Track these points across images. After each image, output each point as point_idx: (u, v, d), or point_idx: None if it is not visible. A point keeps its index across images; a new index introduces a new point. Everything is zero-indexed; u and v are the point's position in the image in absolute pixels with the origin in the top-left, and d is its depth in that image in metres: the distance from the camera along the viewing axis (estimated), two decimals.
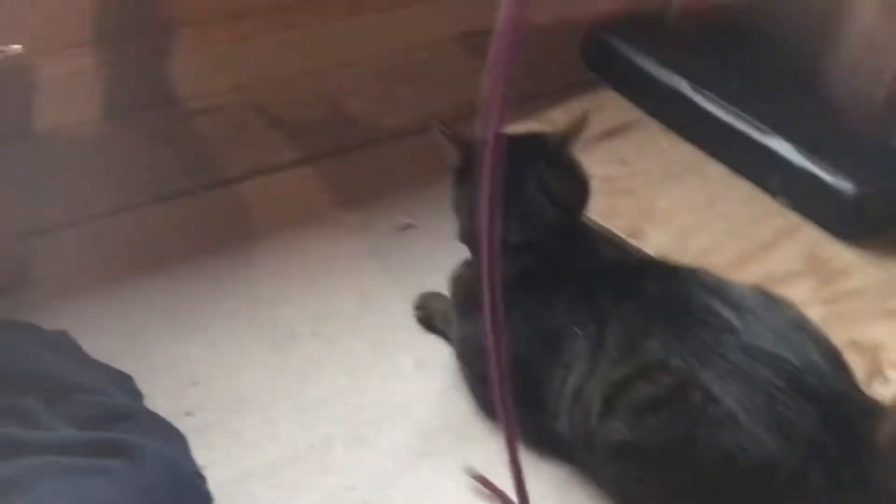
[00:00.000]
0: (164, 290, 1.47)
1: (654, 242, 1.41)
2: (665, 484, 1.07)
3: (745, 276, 1.34)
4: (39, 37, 1.57)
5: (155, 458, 1.09)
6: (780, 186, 1.49)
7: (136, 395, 1.27)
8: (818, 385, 1.03)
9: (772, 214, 1.48)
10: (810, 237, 1.44)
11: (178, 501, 1.09)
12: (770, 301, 1.14)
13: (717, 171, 1.57)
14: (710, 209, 1.49)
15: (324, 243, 1.60)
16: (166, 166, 1.71)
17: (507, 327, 1.23)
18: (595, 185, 1.51)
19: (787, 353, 1.04)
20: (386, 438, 1.27)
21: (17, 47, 1.22)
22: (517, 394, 1.24)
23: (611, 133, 1.66)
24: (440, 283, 1.39)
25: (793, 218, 1.47)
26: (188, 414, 1.28)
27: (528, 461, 1.24)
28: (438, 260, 1.52)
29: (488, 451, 1.26)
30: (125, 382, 1.27)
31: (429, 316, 1.45)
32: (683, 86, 1.61)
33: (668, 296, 1.11)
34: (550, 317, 1.18)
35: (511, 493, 1.08)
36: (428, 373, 1.37)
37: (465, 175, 1.28)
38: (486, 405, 1.31)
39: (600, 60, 1.79)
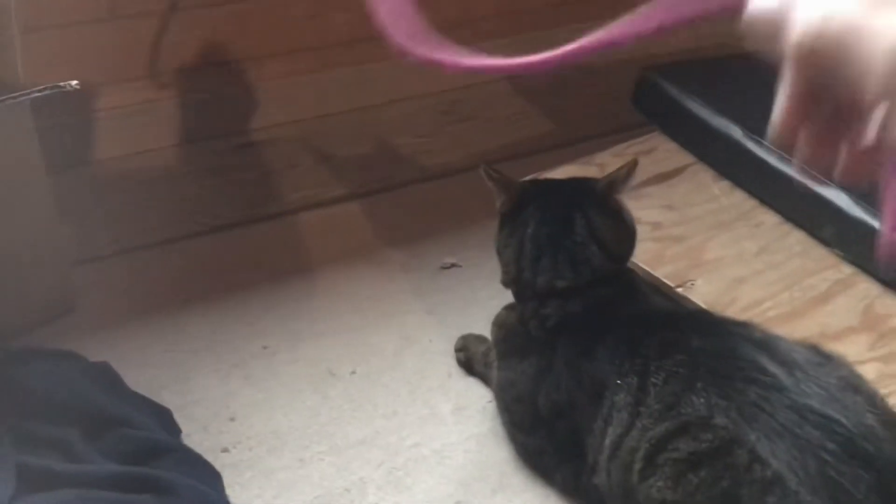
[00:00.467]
0: (208, 323, 1.48)
1: (703, 292, 1.37)
2: None
3: (797, 330, 1.30)
4: (99, 69, 1.61)
5: (188, 496, 1.09)
6: (835, 237, 1.45)
7: (174, 429, 1.27)
8: (874, 451, 0.99)
9: (826, 266, 1.43)
10: (866, 291, 1.39)
11: None
12: (821, 358, 1.10)
13: (769, 220, 1.53)
14: (762, 259, 1.45)
15: (368, 281, 1.60)
16: (215, 199, 1.72)
17: (549, 374, 1.22)
18: (642, 232, 1.49)
19: (839, 415, 1.00)
20: (421, 484, 1.25)
21: (74, 83, 1.24)
22: (557, 443, 1.23)
23: (660, 178, 1.63)
24: (483, 326, 1.38)
25: (847, 270, 1.42)
26: (224, 450, 1.27)
27: None
28: (482, 302, 1.51)
29: (524, 501, 1.23)
30: (164, 416, 1.27)
31: (469, 359, 1.43)
32: (736, 131, 1.58)
33: (714, 350, 1.08)
34: (593, 366, 1.16)
35: None
36: (466, 418, 1.35)
37: (510, 218, 1.27)
38: (525, 453, 1.28)
39: (651, 104, 1.77)
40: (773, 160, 1.53)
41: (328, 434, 1.31)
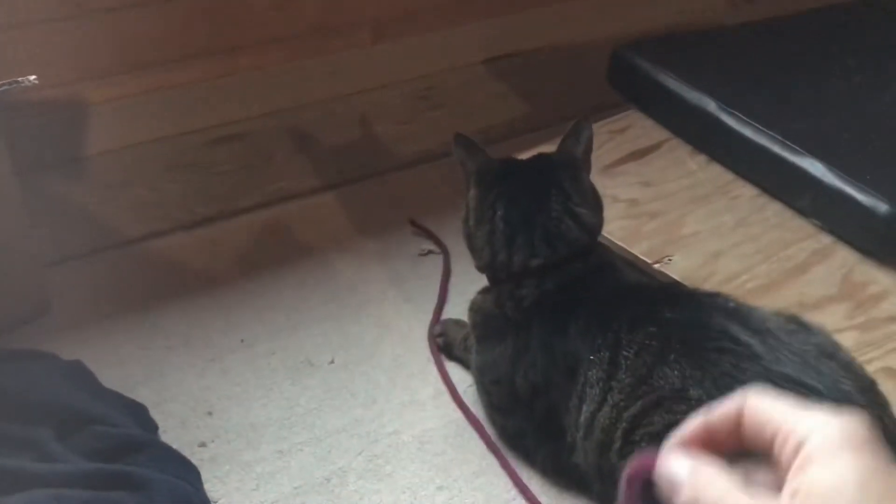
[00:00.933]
0: (184, 319, 1.47)
1: (681, 267, 1.36)
2: None
3: (776, 301, 1.29)
4: (69, 66, 1.59)
5: (164, 491, 1.07)
6: (812, 207, 1.44)
7: (151, 425, 1.26)
8: None
9: (804, 237, 1.42)
10: (844, 260, 1.38)
11: None
12: (797, 326, 1.09)
13: (747, 193, 1.52)
14: (740, 232, 1.44)
15: (345, 271, 1.58)
16: (190, 194, 1.71)
17: (525, 354, 1.20)
18: (619, 209, 1.49)
19: (815, 382, 0.99)
20: (402, 471, 1.24)
21: (32, 78, 1.22)
22: (536, 424, 1.22)
23: (636, 155, 1.62)
24: (462, 311, 1.36)
25: (826, 239, 1.41)
26: (202, 445, 1.26)
27: (550, 492, 1.21)
28: (460, 287, 1.50)
29: (507, 483, 1.22)
30: (140, 413, 1.26)
31: (449, 344, 1.42)
32: (710, 104, 1.57)
33: (686, 321, 1.07)
34: (566, 343, 1.14)
35: None
36: (446, 403, 1.34)
37: (479, 201, 1.26)
38: (505, 435, 1.27)
39: (626, 81, 1.76)
40: (748, 132, 1.52)
41: (307, 424, 1.30)
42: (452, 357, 1.41)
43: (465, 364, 1.38)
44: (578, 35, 2.02)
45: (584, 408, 1.11)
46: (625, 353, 1.07)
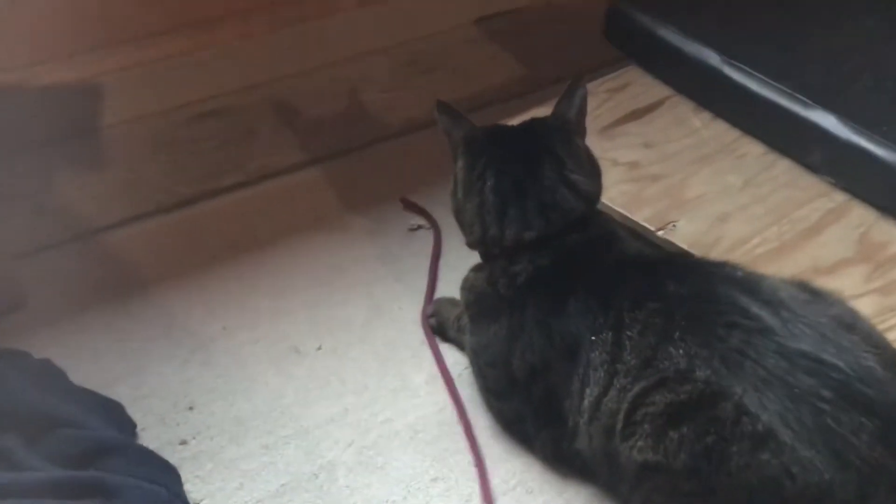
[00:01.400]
0: (163, 309, 1.40)
1: (685, 233, 1.27)
2: None
3: (787, 266, 1.21)
4: (41, 46, 1.51)
5: (137, 498, 1.01)
6: (825, 163, 1.35)
7: (127, 424, 1.19)
8: (875, 395, 0.90)
9: (816, 195, 1.33)
10: (860, 218, 1.29)
11: None
12: (811, 295, 1.01)
13: (754, 150, 1.43)
14: (747, 193, 1.35)
15: (332, 250, 1.51)
16: (169, 175, 1.63)
17: (521, 334, 1.12)
18: (619, 173, 1.40)
19: (834, 358, 0.91)
20: (394, 462, 1.17)
21: None
22: (535, 408, 1.14)
23: (636, 114, 1.52)
24: (455, 289, 1.28)
25: (839, 197, 1.32)
26: (183, 442, 1.19)
27: (551, 481, 1.14)
28: (453, 263, 1.43)
29: (505, 472, 1.15)
30: (115, 411, 1.19)
31: (442, 324, 1.34)
32: (713, 58, 1.47)
33: (691, 294, 0.99)
34: (564, 323, 1.07)
35: None
36: (441, 388, 1.26)
37: (466, 173, 1.17)
38: (503, 421, 1.20)
39: (624, 35, 1.66)
40: (754, 85, 1.42)
41: (294, 416, 1.23)
42: (446, 338, 1.33)
43: (459, 346, 1.31)
44: None
45: (588, 391, 1.04)
46: (628, 332, 0.99)
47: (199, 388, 1.27)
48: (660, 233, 1.28)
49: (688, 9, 1.62)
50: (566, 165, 1.15)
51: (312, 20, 1.82)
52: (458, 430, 1.20)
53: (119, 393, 1.24)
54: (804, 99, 1.36)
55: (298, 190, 1.64)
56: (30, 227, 1.50)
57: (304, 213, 1.58)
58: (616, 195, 1.35)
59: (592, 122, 1.53)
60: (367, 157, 1.72)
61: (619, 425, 0.98)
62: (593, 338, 1.03)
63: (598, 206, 1.23)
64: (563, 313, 1.07)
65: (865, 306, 1.13)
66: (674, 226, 1.29)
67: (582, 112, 1.19)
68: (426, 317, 1.36)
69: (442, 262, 1.45)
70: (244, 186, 1.65)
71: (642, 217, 1.31)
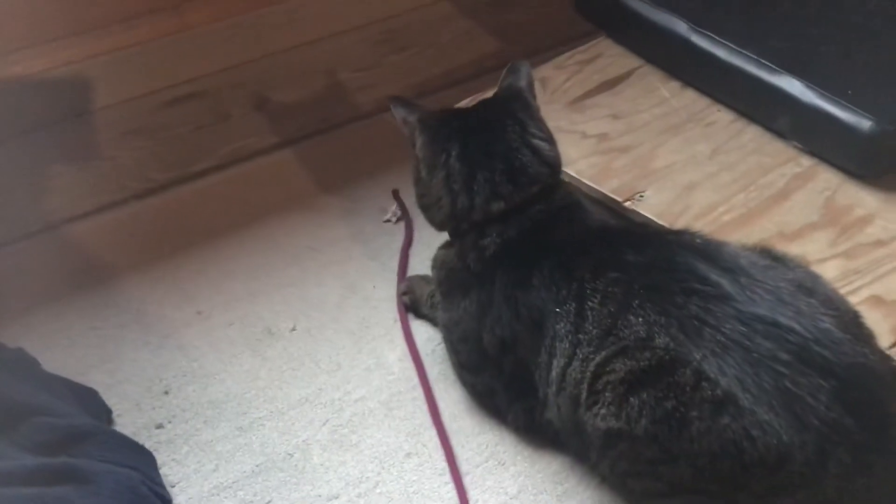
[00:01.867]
0: (137, 294, 1.40)
1: (653, 203, 1.28)
2: (661, 477, 0.95)
3: (753, 233, 1.21)
4: (12, 31, 1.50)
5: (109, 483, 1.02)
6: (792, 128, 1.35)
7: (102, 410, 1.20)
8: (831, 356, 0.91)
9: (784, 161, 1.33)
10: (827, 183, 1.29)
11: None
12: (771, 261, 1.02)
13: (722, 118, 1.43)
14: (716, 160, 1.35)
15: (306, 231, 1.51)
16: (143, 161, 1.62)
17: (490, 308, 1.13)
18: (587, 146, 1.40)
19: (792, 322, 0.92)
20: (368, 440, 1.18)
21: None
22: (506, 381, 1.15)
23: (605, 86, 1.52)
24: (429, 267, 1.28)
25: (807, 162, 1.33)
26: (159, 426, 1.20)
27: (524, 453, 1.15)
28: (426, 240, 1.42)
29: (478, 444, 1.16)
30: (90, 398, 1.20)
31: (415, 302, 1.35)
32: (681, 26, 1.47)
33: (650, 263, 0.99)
34: (530, 295, 1.07)
35: None
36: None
37: (428, 153, 1.17)
38: (475, 394, 1.21)
39: (593, 7, 1.65)
40: (721, 53, 1.42)
41: (268, 398, 1.24)
42: (420, 315, 1.34)
43: (433, 322, 1.31)
44: None
45: (555, 363, 1.04)
46: (590, 303, 1.00)
47: (173, 372, 1.27)
48: (627, 203, 1.28)
49: None
50: (528, 129, 1.15)
51: (282, 2, 1.82)
52: (438, 409, 1.21)
53: (94, 380, 1.25)
54: (770, 65, 1.36)
55: (273, 172, 1.64)
56: (2, 218, 1.50)
57: (278, 195, 1.58)
58: (585, 168, 1.35)
59: (563, 95, 1.53)
60: (341, 137, 1.72)
61: (584, 395, 0.99)
62: (557, 309, 1.03)
63: (569, 180, 1.23)
64: (528, 286, 1.07)
65: (830, 270, 1.14)
66: (641, 196, 1.29)
67: (531, 84, 1.19)
68: (400, 295, 1.37)
69: (415, 240, 1.45)
70: (218, 170, 1.65)
71: (610, 188, 1.31)
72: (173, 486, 1.13)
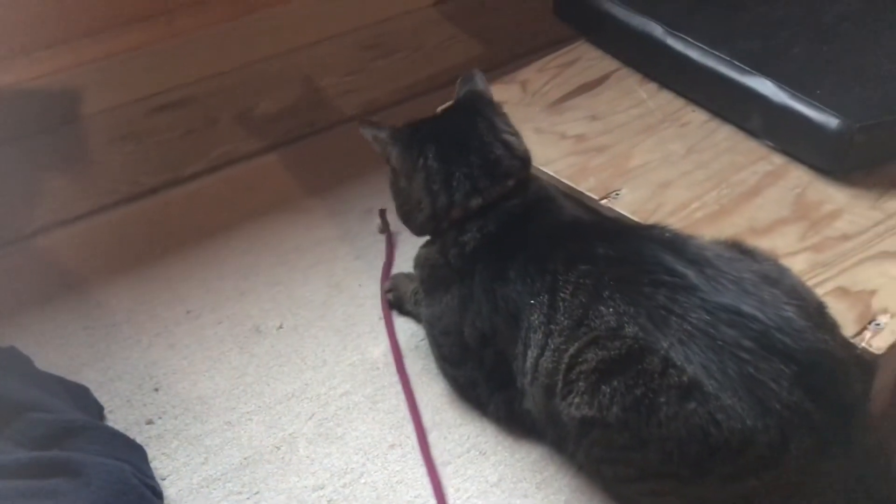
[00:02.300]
0: (128, 295, 1.43)
1: (628, 201, 1.31)
2: (633, 463, 0.99)
3: (725, 228, 1.25)
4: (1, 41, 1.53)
5: (101, 475, 1.05)
6: (764, 127, 1.39)
7: (94, 407, 1.23)
8: (792, 343, 0.94)
9: (756, 159, 1.37)
10: (797, 179, 1.33)
11: None
12: (738, 254, 1.05)
13: (697, 118, 1.47)
14: (690, 159, 1.39)
15: (293, 232, 1.54)
16: (133, 166, 1.66)
17: (471, 302, 1.17)
18: (566, 146, 1.44)
19: (754, 310, 0.96)
20: (353, 432, 1.21)
21: None
22: (487, 373, 1.19)
23: (584, 88, 1.56)
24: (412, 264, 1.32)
25: (778, 160, 1.36)
26: (149, 422, 1.23)
27: (504, 443, 1.18)
28: (411, 240, 1.44)
29: (459, 436, 1.20)
30: (82, 395, 1.23)
31: (399, 298, 1.38)
32: (656, 29, 1.51)
33: (619, 255, 1.03)
34: (506, 288, 1.11)
35: None
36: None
37: (408, 152, 1.20)
38: (457, 387, 1.24)
39: (571, 11, 1.69)
40: (695, 55, 1.46)
41: (255, 393, 1.27)
42: (404, 312, 1.38)
43: (417, 318, 1.35)
44: None
45: (529, 353, 1.08)
46: (562, 294, 1.04)
47: (164, 369, 1.31)
48: (603, 201, 1.32)
49: None
50: (497, 126, 1.19)
51: (271, 7, 1.85)
52: (415, 398, 1.25)
53: (86, 378, 1.28)
54: (743, 66, 1.39)
55: (260, 175, 1.68)
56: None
57: (266, 197, 1.62)
58: (563, 167, 1.39)
59: (543, 97, 1.57)
60: (328, 140, 1.76)
61: (559, 385, 1.03)
62: (532, 301, 1.07)
63: (548, 179, 1.26)
64: (505, 279, 1.11)
65: (799, 262, 1.18)
66: (617, 194, 1.33)
67: (487, 87, 1.24)
68: (384, 292, 1.40)
69: (399, 239, 1.49)
70: (207, 174, 1.69)
71: (586, 187, 1.34)
72: (164, 479, 1.16)
